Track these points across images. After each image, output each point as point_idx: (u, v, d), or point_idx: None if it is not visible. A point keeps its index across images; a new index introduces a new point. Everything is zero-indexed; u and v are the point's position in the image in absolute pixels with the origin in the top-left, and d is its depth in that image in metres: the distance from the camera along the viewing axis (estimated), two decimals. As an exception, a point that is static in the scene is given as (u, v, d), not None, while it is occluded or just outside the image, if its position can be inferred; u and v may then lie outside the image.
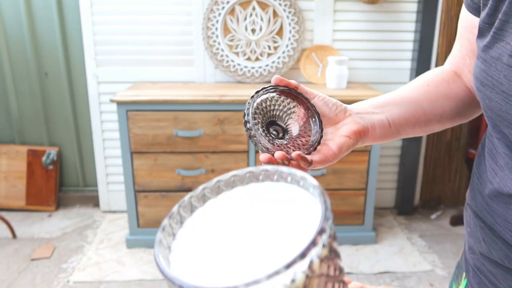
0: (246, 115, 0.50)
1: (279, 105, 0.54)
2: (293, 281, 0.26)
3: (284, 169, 0.35)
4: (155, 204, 2.12)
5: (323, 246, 0.28)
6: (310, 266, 0.27)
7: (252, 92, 0.55)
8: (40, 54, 2.41)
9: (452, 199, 2.72)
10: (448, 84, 0.63)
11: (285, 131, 0.54)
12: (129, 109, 1.97)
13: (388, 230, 2.41)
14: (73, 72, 2.45)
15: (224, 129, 2.01)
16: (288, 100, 0.54)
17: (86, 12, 2.26)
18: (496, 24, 0.48)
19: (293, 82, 0.54)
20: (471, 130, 2.35)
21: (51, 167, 2.53)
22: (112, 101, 1.96)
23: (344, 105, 0.57)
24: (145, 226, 2.15)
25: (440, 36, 2.38)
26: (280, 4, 2.26)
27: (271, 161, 0.50)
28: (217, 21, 2.26)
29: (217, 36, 2.28)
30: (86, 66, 2.36)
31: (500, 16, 0.47)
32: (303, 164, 0.49)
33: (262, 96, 0.53)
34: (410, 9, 2.34)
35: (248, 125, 0.50)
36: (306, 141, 0.53)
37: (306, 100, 0.54)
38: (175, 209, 0.35)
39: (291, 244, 0.30)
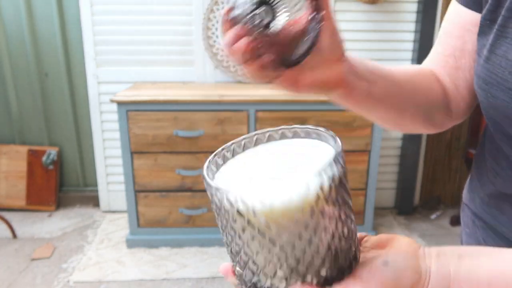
0: None
1: None
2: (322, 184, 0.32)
3: (309, 126, 0.41)
4: (155, 204, 2.12)
5: (340, 167, 0.34)
6: (332, 179, 0.33)
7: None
8: (40, 54, 2.41)
9: (452, 199, 2.72)
10: (429, 83, 0.60)
11: (271, 20, 0.41)
12: (129, 109, 1.97)
13: (388, 230, 2.41)
14: (73, 72, 2.45)
15: (224, 129, 2.01)
16: None
17: (86, 12, 2.26)
18: (499, 21, 0.47)
19: None
20: (471, 130, 2.35)
21: (51, 167, 2.53)
22: (112, 101, 1.96)
23: (343, 48, 0.50)
24: (145, 226, 2.15)
25: (440, 36, 2.38)
26: (280, 4, 2.26)
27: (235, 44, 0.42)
28: (217, 21, 2.26)
29: (217, 36, 2.28)
30: (86, 66, 2.36)
31: (503, 12, 0.46)
32: (270, 71, 0.43)
33: None
34: (410, 9, 2.34)
35: None
36: (287, 49, 0.42)
37: (321, 10, 0.43)
38: (218, 150, 0.43)
39: (309, 169, 0.36)
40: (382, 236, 0.42)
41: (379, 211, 2.62)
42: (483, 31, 0.50)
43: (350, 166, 2.11)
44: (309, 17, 0.42)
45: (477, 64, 0.51)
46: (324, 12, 0.43)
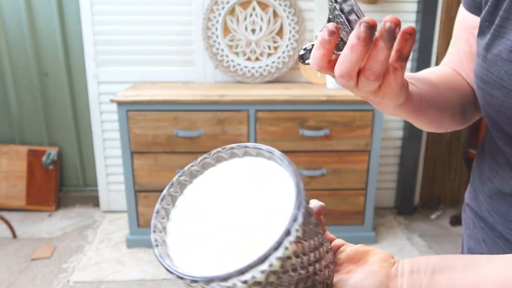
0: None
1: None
2: (270, 265, 0.30)
3: (263, 146, 0.37)
4: (155, 204, 2.11)
5: (297, 231, 0.31)
6: (287, 251, 0.31)
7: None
8: (40, 54, 2.41)
9: (452, 199, 2.72)
10: (457, 79, 0.61)
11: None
12: (129, 109, 1.97)
13: (388, 230, 2.41)
14: (73, 72, 2.45)
15: (224, 129, 2.01)
16: None
17: (86, 12, 2.26)
18: (496, 21, 0.48)
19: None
20: (471, 130, 2.35)
21: (51, 167, 2.53)
22: (112, 101, 1.96)
23: None
24: (145, 226, 2.15)
25: (440, 36, 2.38)
26: (280, 4, 2.26)
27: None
28: (217, 21, 2.26)
29: (217, 36, 2.28)
30: (86, 66, 2.36)
31: (500, 13, 0.47)
32: (405, 48, 0.40)
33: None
34: (410, 9, 2.34)
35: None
36: None
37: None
38: (165, 191, 0.39)
39: (272, 221, 0.34)
40: (358, 249, 0.41)
41: (379, 211, 2.62)
42: (482, 31, 0.51)
43: (350, 166, 2.11)
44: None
45: (476, 64, 0.52)
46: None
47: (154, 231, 0.36)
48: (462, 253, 0.63)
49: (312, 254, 0.34)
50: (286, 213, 0.32)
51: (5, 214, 2.36)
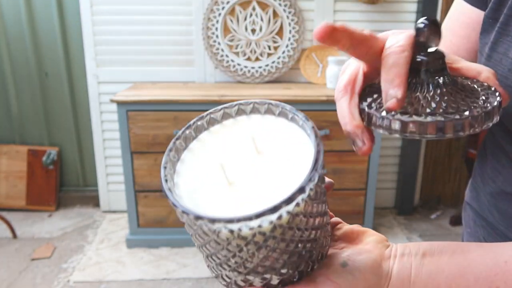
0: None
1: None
2: (279, 218, 0.30)
3: (287, 106, 0.37)
4: (155, 204, 2.12)
5: (310, 190, 0.31)
6: (296, 206, 0.31)
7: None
8: (40, 54, 2.41)
9: (452, 199, 2.72)
10: None
11: None
12: (129, 109, 1.97)
13: (388, 230, 2.41)
14: (73, 72, 2.45)
15: (224, 129, 2.01)
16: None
17: (86, 12, 2.26)
18: (501, 19, 0.47)
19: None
20: (471, 130, 2.36)
21: (51, 167, 2.53)
22: (112, 101, 1.96)
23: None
24: (145, 226, 2.15)
25: (440, 36, 2.38)
26: (280, 4, 2.26)
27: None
28: (217, 21, 2.26)
29: (217, 36, 2.28)
30: (86, 66, 2.36)
31: (505, 11, 0.46)
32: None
33: None
34: (410, 9, 2.34)
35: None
36: None
37: None
38: (180, 132, 0.38)
39: (286, 179, 0.34)
40: (354, 228, 0.41)
41: (379, 211, 2.62)
42: (485, 29, 0.50)
43: (350, 166, 2.11)
44: None
45: (479, 62, 0.51)
46: None
47: (165, 167, 0.35)
48: None
49: (317, 219, 0.34)
50: (302, 172, 0.32)
51: (5, 214, 2.36)
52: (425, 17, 0.37)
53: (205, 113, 0.39)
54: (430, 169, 2.65)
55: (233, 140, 0.38)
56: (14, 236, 2.28)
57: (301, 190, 0.30)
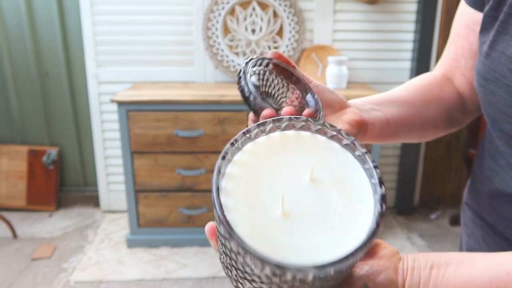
0: (245, 82, 0.44)
1: (272, 81, 0.47)
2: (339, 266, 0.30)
3: (357, 143, 0.36)
4: (155, 204, 2.12)
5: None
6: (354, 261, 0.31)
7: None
8: (40, 54, 2.41)
9: (451, 199, 2.72)
10: (440, 88, 0.60)
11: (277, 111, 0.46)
12: (129, 109, 1.97)
13: (388, 230, 2.41)
14: (73, 72, 2.45)
15: (224, 129, 2.01)
16: (282, 77, 0.48)
17: (87, 12, 2.26)
18: (501, 17, 0.47)
19: (291, 62, 0.49)
20: (471, 130, 2.36)
21: (51, 167, 2.54)
22: (112, 101, 1.96)
23: (342, 96, 0.52)
24: (146, 226, 2.15)
25: (440, 36, 2.38)
26: (280, 5, 2.26)
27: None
28: (217, 21, 2.26)
29: (217, 36, 2.28)
30: (86, 66, 2.36)
31: (505, 9, 0.46)
32: None
33: (254, 68, 0.46)
34: (409, 9, 2.34)
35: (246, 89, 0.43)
36: None
37: (302, 80, 0.48)
38: (238, 135, 0.36)
39: (339, 228, 0.32)
40: (370, 276, 0.40)
41: (379, 211, 2.62)
42: (485, 28, 0.50)
43: (350, 166, 2.12)
44: (299, 89, 0.48)
45: (478, 61, 0.51)
46: (302, 79, 0.48)
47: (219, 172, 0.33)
48: (461, 252, 0.63)
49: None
50: (361, 221, 0.32)
51: (5, 214, 2.36)
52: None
53: (267, 120, 0.37)
54: (430, 169, 2.65)
55: (292, 163, 0.35)
56: (14, 236, 2.29)
57: (363, 251, 0.32)
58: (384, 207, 0.33)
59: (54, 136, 2.57)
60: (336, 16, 2.33)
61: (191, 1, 2.28)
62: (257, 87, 0.45)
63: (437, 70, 0.64)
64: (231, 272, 0.34)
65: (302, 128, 0.37)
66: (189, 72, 2.39)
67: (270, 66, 0.47)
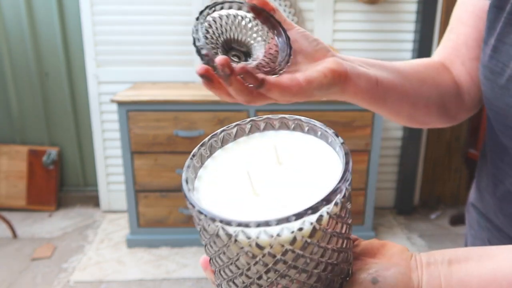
0: (196, 30, 0.40)
1: (245, 26, 0.44)
2: (300, 229, 0.28)
3: (317, 123, 0.36)
4: (155, 204, 2.12)
5: (335, 204, 0.30)
6: (319, 220, 0.29)
7: None
8: (40, 54, 2.41)
9: (451, 199, 2.72)
10: (438, 72, 0.57)
11: (247, 57, 0.44)
12: (129, 109, 1.97)
13: (388, 230, 2.41)
14: (73, 72, 2.45)
15: (224, 129, 2.01)
16: (257, 22, 0.44)
17: (87, 12, 2.26)
18: (508, 8, 0.45)
19: (272, 4, 0.45)
20: (471, 130, 2.36)
21: (51, 167, 2.54)
22: (112, 101, 1.96)
23: (328, 45, 0.48)
24: (146, 226, 2.15)
25: (440, 37, 2.38)
26: (280, 5, 2.26)
27: (208, 73, 0.40)
28: (217, 21, 2.26)
29: (217, 36, 2.28)
30: (86, 66, 2.36)
31: None
32: (251, 81, 0.39)
33: (224, 11, 0.42)
34: (409, 9, 2.34)
35: (197, 36, 0.40)
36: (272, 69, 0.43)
37: (280, 25, 0.44)
38: (206, 139, 0.37)
39: (309, 193, 0.32)
40: (373, 242, 0.40)
41: (379, 211, 2.62)
42: (490, 18, 0.49)
43: (350, 166, 2.12)
44: (276, 34, 0.44)
45: (484, 54, 0.49)
46: (279, 24, 0.44)
47: (187, 169, 0.34)
48: None
49: (340, 241, 0.33)
50: (328, 186, 0.31)
51: (5, 214, 2.36)
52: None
53: (233, 124, 0.38)
54: (430, 169, 2.65)
55: (258, 151, 0.37)
56: (14, 236, 2.29)
57: (327, 200, 0.29)
58: (347, 161, 0.32)
59: (54, 136, 2.57)
60: (336, 16, 2.33)
61: (191, 1, 2.28)
62: (208, 35, 0.41)
63: (435, 57, 0.61)
64: (221, 279, 0.34)
65: (266, 128, 0.38)
66: (189, 72, 2.39)
67: (245, 9, 0.43)
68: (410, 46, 2.39)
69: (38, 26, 2.37)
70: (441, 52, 0.60)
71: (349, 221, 0.35)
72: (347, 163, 0.32)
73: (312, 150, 0.36)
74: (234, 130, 0.38)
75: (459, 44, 0.57)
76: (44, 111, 2.50)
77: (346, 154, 0.33)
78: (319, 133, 0.36)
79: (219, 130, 0.37)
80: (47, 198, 2.57)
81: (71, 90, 2.47)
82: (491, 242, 0.53)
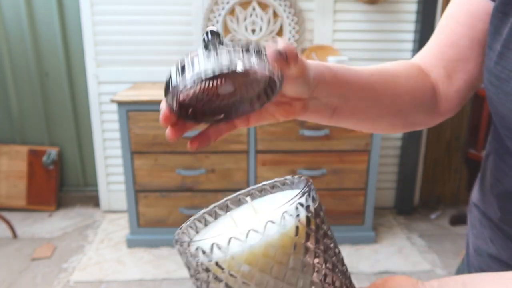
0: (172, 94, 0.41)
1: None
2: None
3: (277, 179, 0.39)
4: (155, 204, 2.12)
5: (308, 211, 0.31)
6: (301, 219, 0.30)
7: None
8: (40, 54, 2.41)
9: (451, 199, 2.72)
10: (417, 81, 0.55)
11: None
12: (129, 109, 1.97)
13: (388, 230, 2.41)
14: (73, 72, 2.45)
15: (224, 129, 2.01)
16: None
17: (87, 12, 2.26)
18: None
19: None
20: (471, 130, 2.36)
21: (51, 167, 2.54)
22: (112, 101, 1.96)
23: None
24: (146, 226, 2.15)
25: (440, 36, 2.38)
26: (280, 5, 2.26)
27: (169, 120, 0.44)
28: (217, 21, 2.26)
29: (217, 36, 2.28)
30: (86, 66, 2.36)
31: None
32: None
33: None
34: (409, 9, 2.34)
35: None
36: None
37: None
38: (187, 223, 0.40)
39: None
40: (376, 283, 0.38)
41: (379, 211, 2.62)
42: (495, 23, 0.48)
43: (350, 166, 2.12)
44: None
45: (489, 59, 0.48)
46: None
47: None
48: (468, 253, 0.62)
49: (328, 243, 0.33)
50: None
51: (5, 214, 2.36)
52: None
53: (210, 206, 0.42)
54: (430, 169, 2.65)
55: (238, 211, 0.41)
56: (14, 236, 2.29)
57: (307, 192, 0.31)
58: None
59: (54, 136, 2.57)
60: (336, 16, 2.33)
61: (191, 1, 2.28)
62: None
63: (417, 59, 0.60)
64: None
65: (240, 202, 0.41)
66: (189, 72, 2.38)
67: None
68: (410, 46, 2.39)
69: (38, 26, 2.37)
70: (423, 54, 0.59)
71: (332, 235, 0.34)
72: (305, 186, 0.33)
73: (280, 196, 0.38)
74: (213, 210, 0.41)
75: (447, 45, 0.56)
76: (44, 111, 2.50)
77: (305, 179, 0.35)
78: (282, 184, 0.39)
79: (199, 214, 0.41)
80: (47, 198, 2.57)
81: (71, 90, 2.48)
82: (493, 241, 0.53)
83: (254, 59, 0.36)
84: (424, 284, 0.35)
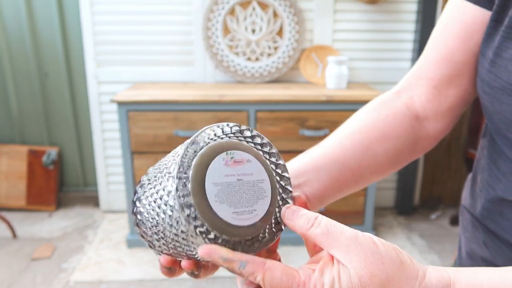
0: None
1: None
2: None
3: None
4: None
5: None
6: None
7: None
8: (40, 54, 2.41)
9: (452, 199, 2.72)
10: (385, 124, 0.54)
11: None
12: (129, 109, 1.97)
13: (388, 230, 2.41)
14: (73, 72, 2.45)
15: (224, 129, 2.01)
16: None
17: (87, 12, 2.26)
18: (506, 22, 0.45)
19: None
20: (471, 130, 2.35)
21: (51, 167, 2.53)
22: (112, 101, 1.96)
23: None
24: (145, 226, 2.15)
25: (440, 36, 2.38)
26: (280, 5, 2.26)
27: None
28: (217, 21, 2.26)
29: (217, 36, 2.28)
30: (86, 66, 2.36)
31: (510, 13, 0.44)
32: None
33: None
34: (409, 9, 2.34)
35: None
36: None
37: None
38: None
39: None
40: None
41: (379, 211, 2.62)
42: (488, 32, 0.48)
43: (350, 166, 2.11)
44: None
45: (482, 67, 0.48)
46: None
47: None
48: (460, 256, 0.61)
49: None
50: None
51: (5, 214, 2.36)
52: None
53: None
54: (430, 169, 2.65)
55: None
56: (14, 236, 2.29)
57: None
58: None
59: (54, 136, 2.57)
60: (336, 16, 2.33)
61: (191, 1, 2.28)
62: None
63: (399, 88, 0.58)
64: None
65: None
66: (189, 72, 2.39)
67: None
68: (410, 46, 2.39)
69: (38, 26, 2.37)
70: (414, 73, 0.57)
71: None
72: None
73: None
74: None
75: (441, 59, 0.53)
76: (44, 111, 2.50)
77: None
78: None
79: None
80: (47, 198, 2.57)
81: (71, 90, 2.47)
82: (487, 245, 0.53)
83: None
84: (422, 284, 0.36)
